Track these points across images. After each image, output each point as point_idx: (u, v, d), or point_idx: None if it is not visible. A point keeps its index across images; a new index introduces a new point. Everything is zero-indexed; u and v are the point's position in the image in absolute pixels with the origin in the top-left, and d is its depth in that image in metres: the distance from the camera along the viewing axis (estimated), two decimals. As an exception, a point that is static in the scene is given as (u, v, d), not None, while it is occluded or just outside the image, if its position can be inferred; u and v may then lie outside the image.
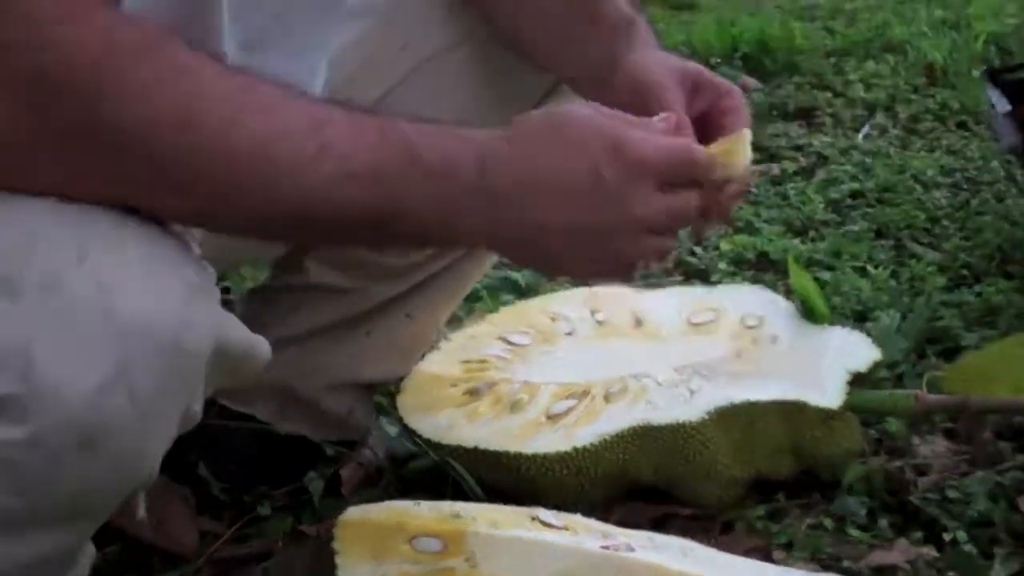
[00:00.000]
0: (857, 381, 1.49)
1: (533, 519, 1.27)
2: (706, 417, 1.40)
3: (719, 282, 2.15)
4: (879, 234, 2.38)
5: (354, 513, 1.23)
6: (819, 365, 1.49)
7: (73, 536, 0.91)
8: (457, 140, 0.98)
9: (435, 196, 0.95)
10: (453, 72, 1.38)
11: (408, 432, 1.47)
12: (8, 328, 0.81)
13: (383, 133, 0.93)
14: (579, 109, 1.03)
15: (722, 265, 2.21)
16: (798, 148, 2.96)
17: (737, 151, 1.13)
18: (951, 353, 1.86)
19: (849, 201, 2.57)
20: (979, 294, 2.02)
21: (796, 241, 2.33)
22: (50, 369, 0.81)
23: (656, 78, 1.17)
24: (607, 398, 1.46)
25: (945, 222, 2.43)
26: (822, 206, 2.52)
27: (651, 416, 1.41)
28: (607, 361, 1.53)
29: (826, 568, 1.37)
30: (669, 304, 1.62)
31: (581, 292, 1.66)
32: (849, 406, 1.46)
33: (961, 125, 3.12)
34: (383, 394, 1.61)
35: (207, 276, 0.93)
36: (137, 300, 0.84)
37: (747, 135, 1.15)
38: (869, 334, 1.74)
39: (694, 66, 1.22)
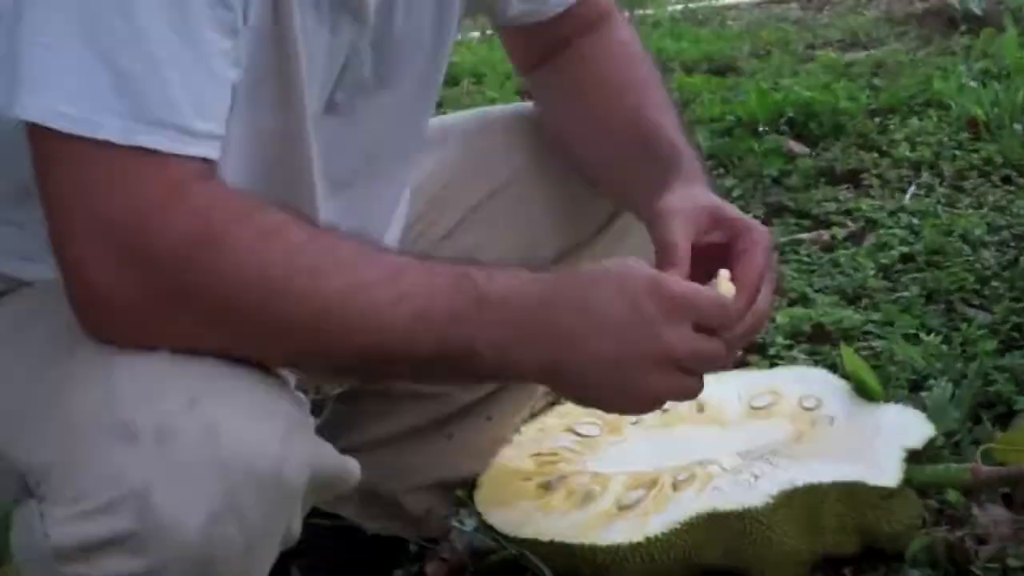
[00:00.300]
0: (913, 456, 1.55)
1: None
2: (771, 501, 1.47)
3: (777, 355, 2.23)
4: (930, 298, 2.43)
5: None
6: (876, 444, 1.56)
7: None
8: (519, 281, 1.07)
9: (499, 334, 1.04)
10: (526, 196, 1.48)
11: (486, 527, 1.55)
12: (127, 469, 0.91)
13: (454, 278, 1.03)
14: (631, 260, 1.12)
15: (779, 339, 2.28)
16: (847, 213, 3.02)
17: (724, 288, 1.17)
18: (1006, 417, 1.92)
19: (900, 266, 2.63)
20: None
21: (850, 311, 2.39)
22: (165, 508, 0.91)
23: (671, 213, 1.22)
24: (675, 486, 1.53)
25: (995, 283, 2.48)
26: (873, 272, 2.59)
27: (718, 502, 1.48)
28: (673, 448, 1.61)
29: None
30: (730, 389, 1.69)
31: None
32: (907, 482, 1.53)
33: (1006, 180, 3.18)
34: (462, 487, 1.69)
35: (303, 410, 1.03)
36: (241, 441, 0.94)
37: (725, 275, 1.17)
38: (924, 405, 1.82)
39: (716, 204, 1.25)
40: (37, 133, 0.94)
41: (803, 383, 1.71)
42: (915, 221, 2.91)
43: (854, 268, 2.65)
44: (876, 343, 2.20)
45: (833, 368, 2.12)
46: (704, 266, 1.17)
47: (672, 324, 1.06)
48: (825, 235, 2.89)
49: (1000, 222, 2.86)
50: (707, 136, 3.53)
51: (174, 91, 0.94)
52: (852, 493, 1.50)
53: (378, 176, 1.28)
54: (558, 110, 1.46)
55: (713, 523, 1.48)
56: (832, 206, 3.07)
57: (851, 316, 2.33)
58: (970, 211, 2.97)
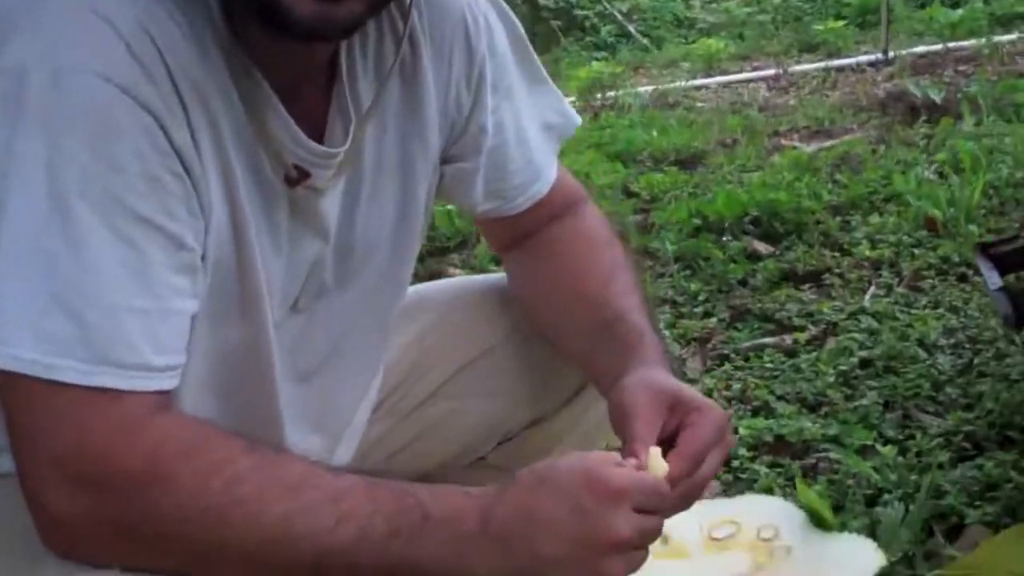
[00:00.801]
0: (865, 584, 1.65)
1: None
2: (730, 635, 1.57)
3: (740, 467, 2.33)
4: (887, 406, 2.55)
5: None
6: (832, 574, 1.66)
7: None
8: (464, 498, 1.13)
9: (443, 550, 1.09)
10: (499, 369, 1.55)
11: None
12: None
13: (397, 498, 1.09)
14: (566, 458, 1.17)
15: (743, 451, 2.39)
16: (809, 315, 3.14)
17: (655, 465, 1.24)
18: (957, 529, 2.03)
19: (858, 371, 2.74)
20: (980, 466, 2.18)
21: (809, 421, 2.50)
22: None
23: (633, 403, 1.28)
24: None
25: (949, 388, 2.60)
26: (832, 379, 2.70)
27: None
28: None
29: None
30: (691, 520, 1.78)
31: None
32: (860, 608, 1.62)
33: (962, 278, 3.30)
34: None
35: None
36: None
37: (656, 452, 1.24)
38: (877, 523, 1.92)
39: (674, 388, 1.32)
40: (3, 372, 1.01)
41: (761, 512, 1.80)
42: (874, 324, 3.03)
43: (815, 373, 2.76)
44: (834, 455, 2.30)
45: (793, 481, 2.25)
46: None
47: (614, 513, 1.12)
48: (788, 340, 3.01)
49: (956, 324, 2.98)
50: (674, 239, 3.65)
51: (132, 335, 1.02)
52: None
53: (345, 362, 1.36)
54: (527, 292, 1.54)
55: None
56: (794, 308, 3.19)
57: (811, 428, 2.43)
58: (927, 311, 3.10)
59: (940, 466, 2.20)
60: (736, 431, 2.48)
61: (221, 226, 1.13)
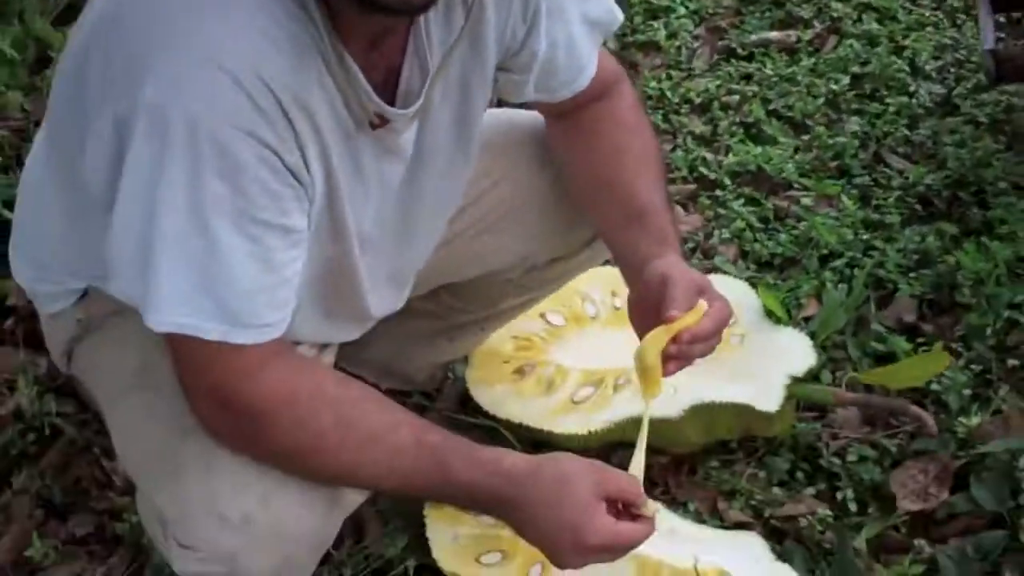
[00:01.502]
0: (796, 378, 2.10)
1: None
2: (683, 413, 2.02)
3: (723, 199, 2.70)
4: (863, 144, 2.86)
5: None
6: (769, 369, 2.09)
7: None
8: (483, 474, 1.44)
9: (460, 504, 1.53)
10: (536, 214, 1.85)
11: (472, 402, 2.11)
12: (223, 541, 1.43)
13: (434, 464, 1.44)
14: (571, 466, 1.47)
15: (727, 180, 2.74)
16: (818, 9, 3.35)
17: (692, 316, 1.59)
18: (889, 297, 2.44)
19: (847, 93, 3.03)
20: (923, 236, 2.55)
21: (791, 158, 2.82)
22: (246, 564, 1.45)
23: (676, 280, 1.58)
24: (616, 388, 2.08)
25: (922, 129, 2.90)
26: (822, 100, 2.99)
27: (644, 409, 2.03)
28: (619, 349, 2.11)
29: (755, 513, 2.04)
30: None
31: (605, 273, 2.21)
32: (787, 396, 2.08)
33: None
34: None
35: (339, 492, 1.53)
36: (295, 525, 1.46)
37: (703, 305, 1.59)
38: (823, 286, 2.33)
39: (704, 280, 1.63)
40: (170, 334, 1.35)
41: (726, 293, 2.19)
42: (875, 27, 3.26)
43: (807, 89, 3.04)
44: (804, 201, 2.66)
45: (766, 224, 2.63)
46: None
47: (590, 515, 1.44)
48: (792, 36, 3.25)
49: (947, 40, 3.22)
50: None
51: (258, 306, 1.34)
52: (742, 412, 2.05)
53: (416, 237, 1.66)
54: (565, 161, 1.80)
55: (639, 424, 2.04)
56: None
57: (790, 167, 2.77)
58: (927, 14, 3.32)
59: (887, 241, 2.55)
60: (721, 164, 2.81)
61: (320, 195, 1.43)
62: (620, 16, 1.73)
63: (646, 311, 1.63)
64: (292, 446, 1.41)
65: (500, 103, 1.84)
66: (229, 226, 1.31)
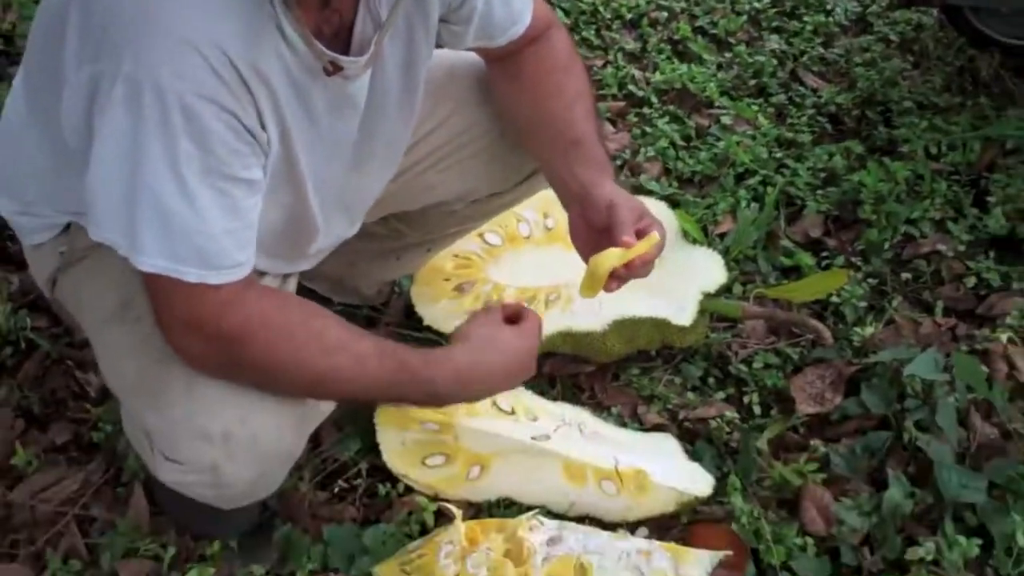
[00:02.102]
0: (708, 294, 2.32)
1: (493, 403, 2.15)
2: (607, 326, 2.25)
3: (650, 117, 2.88)
4: (780, 62, 3.06)
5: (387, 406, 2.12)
6: (684, 286, 2.31)
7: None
8: (440, 368, 1.68)
9: (424, 399, 1.73)
10: (476, 151, 2.01)
11: (416, 315, 2.31)
12: (205, 454, 1.63)
13: (397, 365, 1.65)
14: (478, 329, 1.77)
15: (654, 98, 2.93)
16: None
17: (646, 244, 1.78)
18: (798, 213, 2.66)
19: (769, 11, 3.20)
20: (830, 155, 2.77)
21: (715, 68, 3.01)
22: (227, 475, 1.65)
23: (621, 205, 1.78)
24: (547, 303, 2.29)
25: (836, 48, 3.10)
26: (745, 18, 3.17)
27: (572, 324, 2.25)
28: (550, 267, 2.33)
29: (671, 416, 2.28)
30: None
31: (538, 195, 2.40)
32: (700, 310, 2.31)
33: None
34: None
35: (310, 403, 1.72)
36: (272, 438, 1.66)
37: (655, 236, 1.79)
38: (738, 205, 2.54)
39: (641, 204, 1.82)
40: (148, 274, 1.52)
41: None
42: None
43: (732, 4, 3.22)
44: (724, 119, 2.86)
45: (688, 142, 2.83)
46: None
47: (521, 348, 1.77)
48: None
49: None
50: None
51: (227, 247, 1.51)
52: (660, 325, 2.27)
53: (367, 176, 1.83)
54: (504, 101, 1.96)
55: (568, 336, 2.26)
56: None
57: (712, 86, 2.95)
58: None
59: (800, 149, 2.77)
60: (649, 82, 2.99)
61: (275, 147, 1.60)
62: None
63: (590, 232, 1.84)
64: (271, 361, 1.60)
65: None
66: (200, 180, 1.49)
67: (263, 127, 1.57)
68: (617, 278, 1.79)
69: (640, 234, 1.80)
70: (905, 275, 2.51)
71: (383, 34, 1.66)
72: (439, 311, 2.30)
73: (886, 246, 2.55)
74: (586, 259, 1.82)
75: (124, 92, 1.44)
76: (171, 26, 1.44)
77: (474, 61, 2.03)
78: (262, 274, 1.77)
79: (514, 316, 1.83)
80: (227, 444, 1.63)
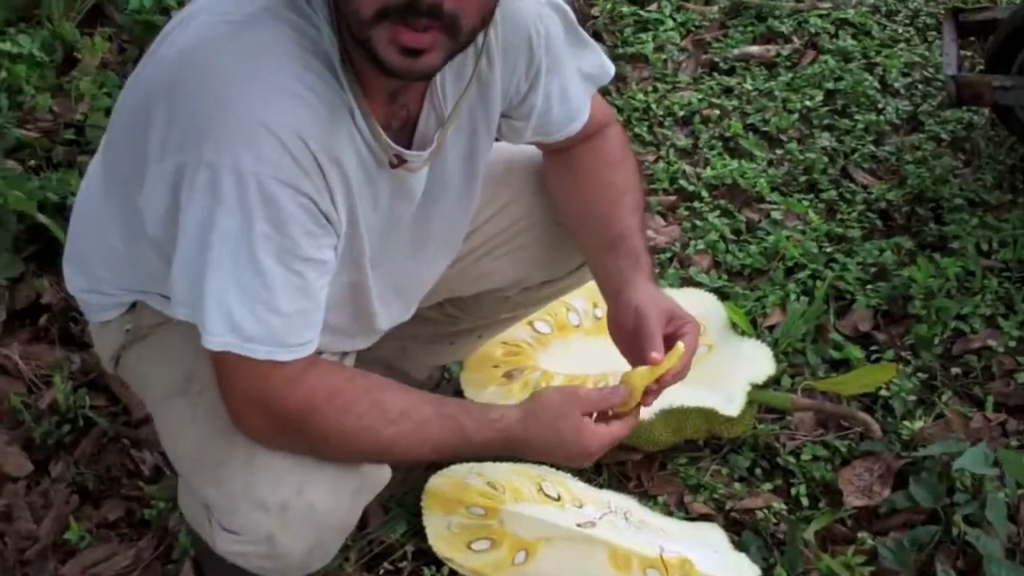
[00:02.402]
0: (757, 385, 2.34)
1: (539, 489, 2.17)
2: (655, 416, 2.27)
3: (700, 211, 2.93)
4: (831, 159, 3.10)
5: (433, 483, 2.15)
6: (733, 377, 2.33)
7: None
8: (493, 431, 1.72)
9: (477, 455, 1.77)
10: (530, 241, 2.07)
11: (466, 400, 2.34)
12: (262, 526, 1.67)
13: (455, 429, 1.70)
14: (554, 403, 1.74)
15: (704, 192, 2.97)
16: (797, 24, 3.57)
17: (673, 358, 1.81)
18: (847, 307, 2.68)
19: (820, 108, 3.25)
20: (881, 250, 2.79)
21: (765, 164, 3.05)
22: (284, 546, 1.68)
23: (648, 312, 1.82)
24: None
25: (887, 145, 3.13)
26: (796, 117, 3.22)
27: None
28: (599, 356, 2.36)
29: (717, 506, 2.28)
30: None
31: (587, 286, 2.44)
32: (748, 401, 2.32)
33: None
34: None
35: (366, 473, 1.76)
36: (328, 511, 1.70)
37: (681, 347, 1.81)
38: (787, 297, 2.56)
39: (669, 305, 1.85)
40: (214, 352, 1.57)
41: (697, 307, 2.42)
42: (851, 44, 3.48)
43: (784, 104, 3.27)
44: (775, 215, 2.89)
45: (738, 235, 2.86)
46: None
47: (586, 439, 1.73)
48: (772, 51, 3.47)
49: (916, 58, 3.45)
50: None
51: (297, 328, 1.57)
52: (708, 415, 2.29)
53: (425, 262, 1.89)
54: (555, 193, 2.03)
55: (614, 424, 2.28)
56: (787, 6, 3.60)
57: (762, 181, 3.00)
58: (900, 29, 3.54)
59: (846, 255, 2.79)
60: (700, 177, 3.04)
61: (344, 231, 1.66)
62: (611, 70, 1.96)
63: (621, 333, 1.89)
64: (335, 433, 1.65)
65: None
66: (274, 261, 1.54)
67: (336, 210, 1.62)
68: (651, 392, 1.83)
69: (670, 339, 1.85)
70: (955, 370, 2.51)
71: (445, 130, 1.73)
72: (488, 397, 2.33)
73: (936, 341, 2.56)
74: (623, 353, 1.88)
75: (205, 178, 1.50)
76: (251, 112, 1.50)
77: (532, 153, 2.09)
78: (320, 353, 1.82)
79: (599, 412, 1.80)
80: (283, 515, 1.67)
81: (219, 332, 1.55)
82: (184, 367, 1.76)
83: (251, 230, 1.52)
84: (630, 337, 1.87)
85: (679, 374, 1.86)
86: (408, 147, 1.71)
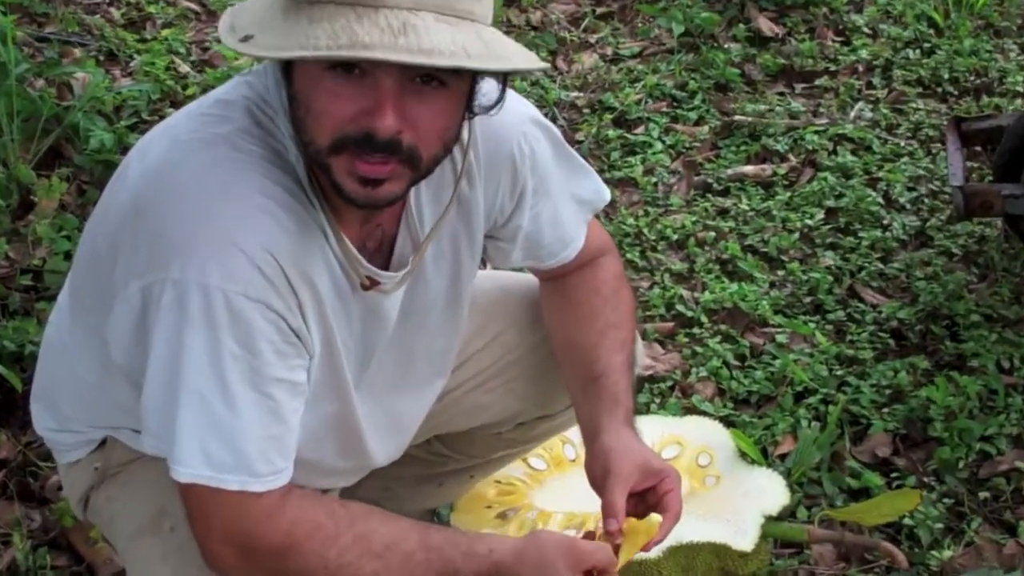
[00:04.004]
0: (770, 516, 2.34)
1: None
2: (662, 554, 2.26)
3: (700, 337, 2.96)
4: (837, 279, 3.15)
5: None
6: (744, 508, 2.33)
7: None
8: (485, 563, 1.71)
9: None
10: (524, 374, 2.09)
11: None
12: None
13: (443, 561, 1.69)
14: (549, 548, 1.74)
15: (704, 318, 3.01)
16: (794, 141, 3.67)
17: (647, 529, 1.88)
18: (863, 431, 2.70)
19: (821, 227, 3.32)
20: (895, 371, 2.82)
21: (767, 286, 3.10)
22: None
23: (617, 469, 1.84)
24: (597, 530, 2.31)
25: (895, 263, 3.19)
26: (797, 236, 3.28)
27: (623, 551, 2.27)
28: (599, 491, 2.37)
29: (733, 651, 2.26)
30: (646, 432, 2.42)
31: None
32: (762, 534, 2.32)
33: (943, 99, 3.81)
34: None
35: None
36: None
37: (655, 518, 1.88)
38: (798, 424, 2.58)
39: (643, 457, 1.87)
40: (185, 484, 1.58)
41: (703, 436, 2.45)
42: (850, 160, 3.57)
43: (783, 223, 3.34)
44: (780, 339, 2.93)
45: (742, 361, 2.89)
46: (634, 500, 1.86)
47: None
48: (768, 170, 3.55)
49: (921, 171, 3.53)
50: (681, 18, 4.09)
51: (268, 453, 1.59)
52: (719, 551, 2.28)
53: (411, 392, 1.91)
54: (548, 321, 2.06)
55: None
56: (782, 125, 3.70)
57: (764, 305, 3.04)
58: (902, 142, 3.63)
59: (858, 377, 2.82)
60: (698, 301, 3.09)
61: (319, 351, 1.69)
62: (607, 195, 2.02)
63: (593, 483, 1.92)
64: (322, 569, 1.65)
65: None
66: (243, 384, 1.57)
67: (308, 328, 1.66)
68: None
69: (648, 493, 1.89)
70: (983, 494, 2.52)
71: (420, 253, 1.77)
72: (482, 541, 2.33)
73: (961, 464, 2.58)
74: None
75: (172, 296, 1.54)
76: (220, 230, 1.55)
77: (529, 281, 2.13)
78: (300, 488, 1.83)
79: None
80: None
81: (189, 463, 1.58)
82: (154, 504, 1.76)
83: (219, 350, 1.55)
84: (600, 485, 1.89)
85: (665, 537, 1.90)
86: (386, 268, 1.75)
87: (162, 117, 2.90)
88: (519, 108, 1.86)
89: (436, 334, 1.90)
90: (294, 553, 1.63)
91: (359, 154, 1.53)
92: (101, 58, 3.99)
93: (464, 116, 1.63)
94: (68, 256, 2.99)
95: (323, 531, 1.65)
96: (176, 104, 3.65)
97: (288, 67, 1.57)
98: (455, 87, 1.55)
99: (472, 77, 1.59)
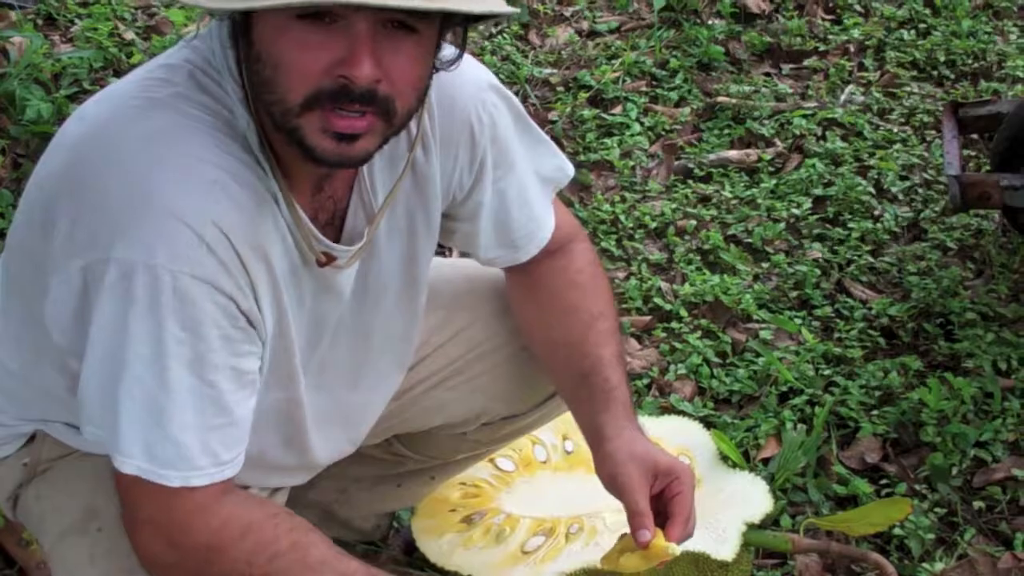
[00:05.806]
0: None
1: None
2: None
3: (679, 332, 2.96)
4: (824, 272, 3.15)
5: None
6: (725, 515, 2.33)
7: None
8: None
9: None
10: (489, 370, 2.07)
11: (419, 551, 2.33)
12: None
13: None
14: None
15: (683, 312, 3.01)
16: (780, 125, 3.67)
17: (664, 549, 1.82)
18: (851, 435, 2.70)
19: (809, 217, 3.32)
20: (885, 371, 2.83)
21: (751, 279, 3.11)
22: None
23: (627, 474, 1.82)
24: (567, 537, 2.31)
25: (886, 256, 3.20)
26: (783, 226, 3.29)
27: (597, 560, 2.26)
28: (571, 495, 2.36)
29: (711, 664, 2.26)
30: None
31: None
32: (743, 543, 2.32)
33: (940, 83, 3.83)
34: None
35: None
36: None
37: (666, 544, 1.83)
38: (784, 425, 2.58)
39: (652, 457, 1.85)
40: (123, 474, 1.56)
41: (683, 437, 2.45)
42: (840, 146, 3.57)
43: (768, 212, 3.34)
44: (763, 335, 2.93)
45: (723, 359, 2.89)
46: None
47: None
48: (753, 155, 3.55)
49: (915, 159, 3.54)
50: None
51: (211, 445, 1.58)
52: (698, 560, 2.28)
53: (366, 382, 1.90)
54: (521, 316, 2.04)
55: (592, 574, 2.27)
56: (768, 108, 3.71)
57: (748, 299, 3.04)
58: (895, 129, 3.64)
59: (851, 366, 2.83)
60: (676, 295, 3.08)
61: (271, 335, 1.67)
62: (571, 171, 2.00)
63: (606, 487, 1.90)
64: (246, 569, 1.64)
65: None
66: (187, 371, 1.56)
67: (260, 311, 1.64)
68: None
69: (660, 498, 1.87)
70: (977, 504, 2.53)
71: (375, 224, 1.75)
72: (444, 546, 2.31)
73: (954, 472, 2.58)
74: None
75: (115, 277, 1.53)
76: (165, 204, 1.53)
77: (494, 273, 2.11)
78: (246, 487, 1.81)
79: None
80: None
81: (132, 454, 1.57)
82: (83, 503, 1.75)
83: (162, 334, 1.54)
84: (616, 493, 1.88)
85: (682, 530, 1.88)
86: (336, 242, 1.74)
87: (104, 87, 2.87)
88: (477, 73, 1.86)
89: (392, 316, 1.89)
90: (220, 554, 1.63)
91: (334, 108, 1.52)
92: (39, 22, 3.94)
93: (433, 69, 1.62)
94: (1, 235, 2.95)
95: (257, 534, 1.65)
96: (119, 73, 3.62)
97: (247, 26, 1.55)
98: (426, 34, 1.55)
99: (439, 27, 1.58)
